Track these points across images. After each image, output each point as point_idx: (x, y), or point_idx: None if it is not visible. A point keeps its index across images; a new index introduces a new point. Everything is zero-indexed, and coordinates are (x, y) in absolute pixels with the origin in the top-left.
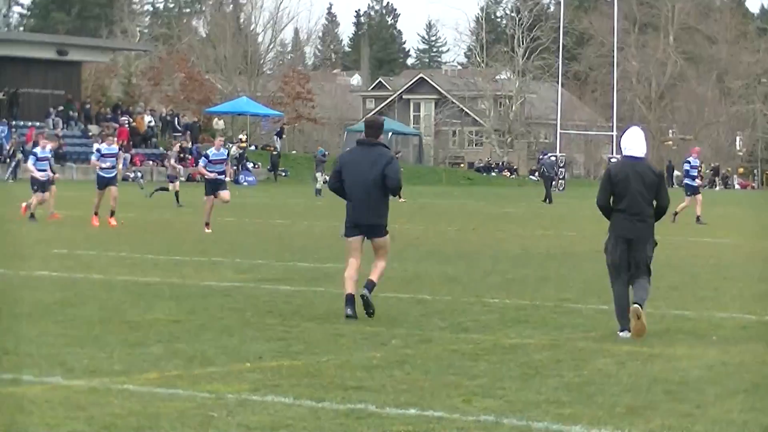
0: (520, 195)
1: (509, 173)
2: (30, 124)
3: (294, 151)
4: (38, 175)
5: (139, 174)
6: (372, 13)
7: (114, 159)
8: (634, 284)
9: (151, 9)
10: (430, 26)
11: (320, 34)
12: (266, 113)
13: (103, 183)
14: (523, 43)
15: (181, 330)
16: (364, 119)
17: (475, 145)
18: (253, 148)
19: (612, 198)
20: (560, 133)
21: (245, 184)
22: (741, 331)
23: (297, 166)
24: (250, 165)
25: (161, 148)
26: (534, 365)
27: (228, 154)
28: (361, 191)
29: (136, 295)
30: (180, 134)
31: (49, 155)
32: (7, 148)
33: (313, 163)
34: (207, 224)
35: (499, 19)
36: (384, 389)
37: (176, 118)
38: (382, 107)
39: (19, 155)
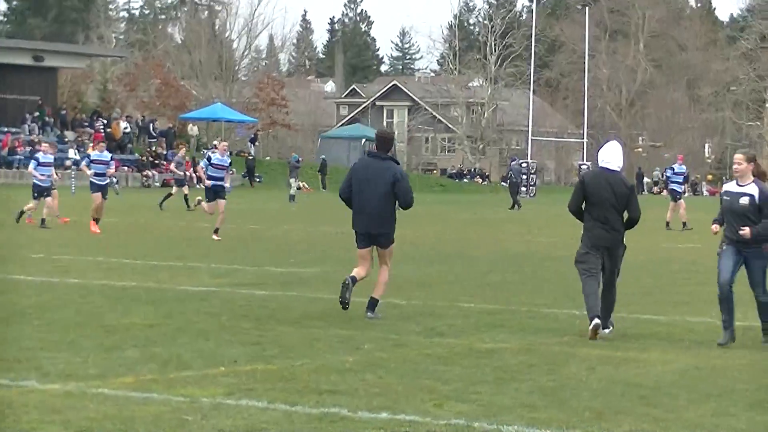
0: (492, 201)
1: (481, 180)
2: (6, 129)
3: (268, 157)
4: (40, 179)
5: (115, 180)
6: (346, 20)
7: (105, 166)
8: (603, 293)
9: (126, 15)
10: (403, 34)
11: (295, 40)
12: (241, 119)
13: (96, 189)
14: (495, 51)
15: (157, 334)
16: (376, 132)
17: (448, 151)
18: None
19: (584, 205)
20: (532, 139)
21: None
22: (713, 335)
23: (271, 172)
24: None
25: (137, 154)
26: (508, 369)
27: (230, 163)
28: (369, 203)
29: (112, 299)
30: (179, 142)
31: (52, 160)
32: None
33: (287, 168)
34: (216, 231)
35: (471, 27)
36: (357, 393)
37: (151, 124)
38: (356, 114)
39: None
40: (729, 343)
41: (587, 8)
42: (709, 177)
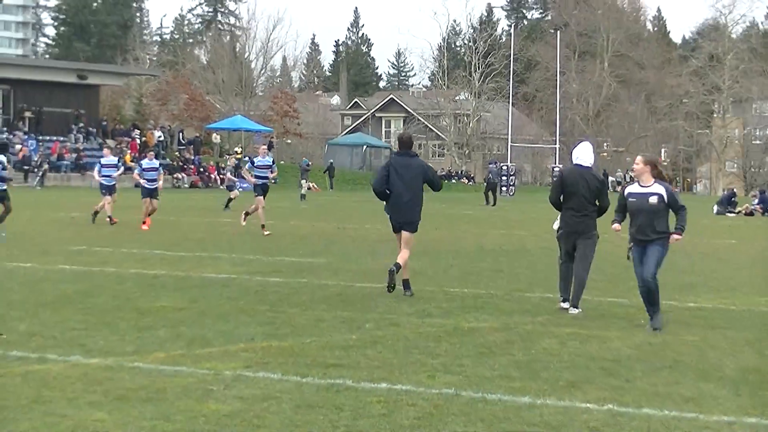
0: (476, 200)
1: (467, 180)
2: (55, 138)
3: (282, 162)
4: (102, 180)
5: None
6: (349, 42)
7: (155, 173)
8: (574, 271)
9: (159, 39)
10: (399, 54)
11: (305, 60)
12: (258, 129)
13: (146, 193)
14: (479, 69)
15: (184, 316)
16: (399, 136)
17: (438, 156)
18: (246, 159)
19: (562, 197)
20: (511, 146)
21: (241, 190)
22: (665, 315)
23: (284, 174)
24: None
25: (168, 159)
26: (488, 345)
27: (273, 161)
28: (405, 194)
29: (145, 286)
30: (236, 151)
31: (116, 163)
32: (36, 159)
33: (298, 171)
34: (263, 226)
35: (458, 48)
36: (359, 366)
37: (180, 133)
38: (358, 124)
39: (45, 165)
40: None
41: (559, 32)
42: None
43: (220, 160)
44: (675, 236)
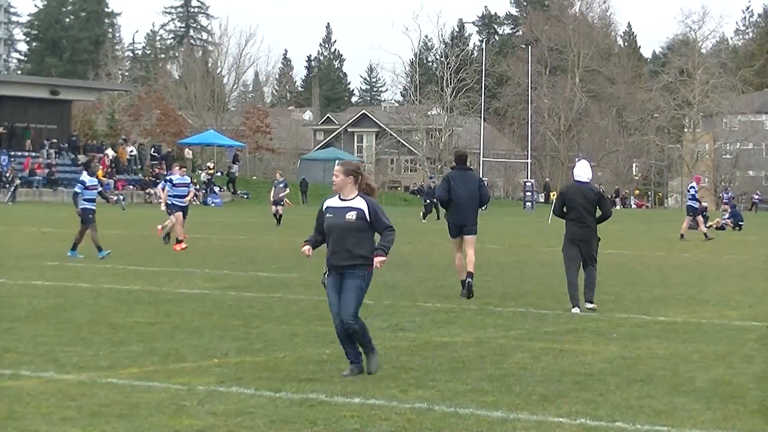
0: None
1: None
2: (27, 154)
3: (254, 177)
4: (176, 201)
5: (122, 197)
6: (321, 58)
7: (186, 188)
8: (585, 273)
9: (131, 55)
10: (371, 69)
11: (277, 76)
12: (230, 144)
13: (177, 210)
14: (450, 84)
15: (158, 331)
16: (455, 152)
17: (410, 171)
18: (219, 174)
19: (564, 209)
20: (483, 160)
21: (212, 205)
22: (638, 329)
23: (257, 189)
24: (216, 189)
25: (140, 175)
26: (461, 360)
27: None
28: (465, 201)
29: (119, 301)
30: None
31: (188, 182)
32: (7, 175)
33: (271, 187)
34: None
35: (430, 63)
36: (333, 381)
37: (153, 149)
38: (330, 139)
39: (17, 181)
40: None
41: (530, 47)
42: (636, 192)
43: (192, 175)
44: (378, 259)
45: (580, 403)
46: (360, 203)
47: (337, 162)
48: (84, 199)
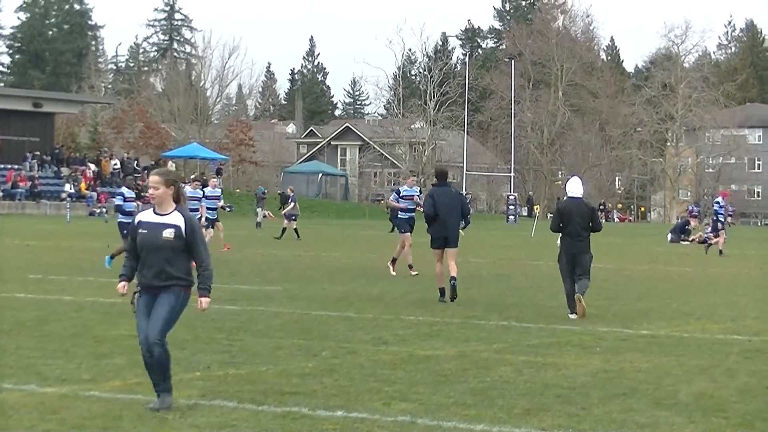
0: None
1: (422, 209)
2: (9, 166)
3: (238, 190)
4: (206, 213)
5: (104, 210)
6: (305, 71)
7: (216, 201)
8: (578, 282)
9: (114, 67)
10: (354, 82)
11: (260, 89)
12: (214, 157)
13: (209, 223)
14: (434, 97)
15: None
16: (436, 169)
17: (394, 184)
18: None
19: (561, 224)
20: (466, 174)
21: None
22: (621, 342)
23: (240, 203)
24: None
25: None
26: (444, 373)
27: (420, 191)
28: (448, 216)
29: (102, 313)
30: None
31: (220, 194)
32: None
33: (254, 199)
34: (410, 266)
35: (413, 77)
36: (315, 394)
37: (136, 162)
38: (314, 152)
39: None
40: None
41: (513, 61)
42: (619, 206)
43: None
44: (204, 300)
45: (563, 416)
46: (177, 219)
47: (152, 172)
48: (122, 213)
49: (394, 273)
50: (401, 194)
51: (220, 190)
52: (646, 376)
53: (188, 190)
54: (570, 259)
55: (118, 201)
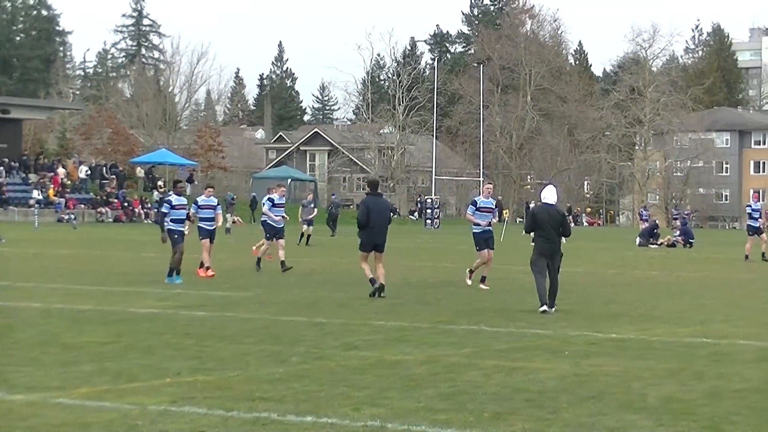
0: (401, 232)
1: (392, 213)
2: None
3: None
4: (275, 220)
5: (73, 216)
6: (273, 76)
7: (212, 210)
8: (550, 281)
9: (82, 73)
10: (323, 87)
11: (229, 94)
12: (182, 163)
13: (205, 234)
14: (403, 102)
15: (110, 351)
16: (368, 181)
17: (363, 189)
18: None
19: (533, 227)
20: (435, 178)
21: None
22: (590, 346)
23: None
24: None
25: (91, 194)
26: (413, 378)
27: (497, 202)
28: (379, 224)
29: (70, 321)
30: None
31: (284, 202)
32: None
33: (223, 205)
34: (483, 279)
35: (382, 82)
36: (285, 399)
37: (104, 168)
38: (283, 158)
39: None
40: None
41: (482, 66)
42: (588, 210)
43: (144, 194)
44: None
45: (533, 420)
46: None
47: None
48: (171, 220)
49: (469, 282)
50: (478, 205)
51: (216, 200)
52: (614, 379)
53: (202, 198)
54: (543, 258)
55: (165, 209)
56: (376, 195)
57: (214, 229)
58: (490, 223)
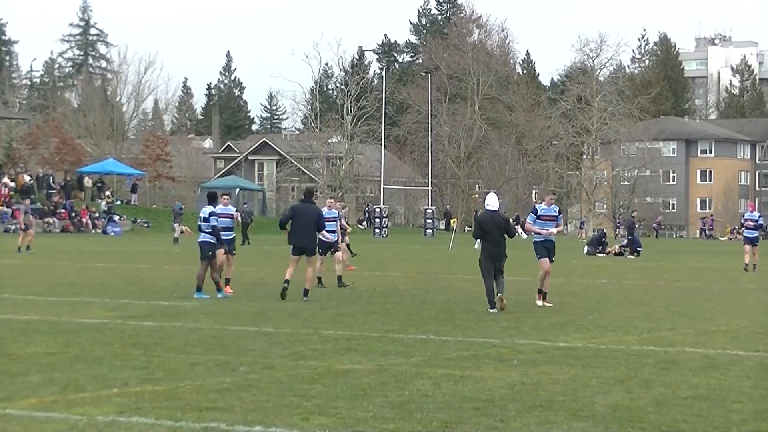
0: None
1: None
2: None
3: (154, 205)
4: (329, 237)
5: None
6: (221, 86)
7: (231, 220)
8: (497, 281)
9: (29, 83)
10: (271, 97)
11: (177, 104)
12: (130, 172)
13: (220, 245)
14: (351, 112)
15: (57, 361)
16: (304, 189)
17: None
18: (118, 202)
19: (481, 233)
20: (384, 188)
21: (112, 234)
22: (538, 355)
23: (157, 218)
24: (116, 217)
25: (38, 204)
26: (362, 387)
27: (559, 211)
28: (305, 228)
29: (17, 331)
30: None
31: (336, 215)
32: None
33: (171, 215)
34: (539, 291)
35: (330, 91)
36: (234, 409)
37: (51, 178)
38: (231, 167)
39: None
40: None
41: (430, 75)
42: None
43: (91, 204)
44: None
45: (481, 429)
46: None
47: None
48: (205, 232)
49: (539, 303)
50: (539, 214)
51: (233, 208)
52: (563, 387)
53: (220, 206)
54: (490, 261)
55: (213, 221)
56: (308, 202)
57: (233, 239)
58: (551, 232)
